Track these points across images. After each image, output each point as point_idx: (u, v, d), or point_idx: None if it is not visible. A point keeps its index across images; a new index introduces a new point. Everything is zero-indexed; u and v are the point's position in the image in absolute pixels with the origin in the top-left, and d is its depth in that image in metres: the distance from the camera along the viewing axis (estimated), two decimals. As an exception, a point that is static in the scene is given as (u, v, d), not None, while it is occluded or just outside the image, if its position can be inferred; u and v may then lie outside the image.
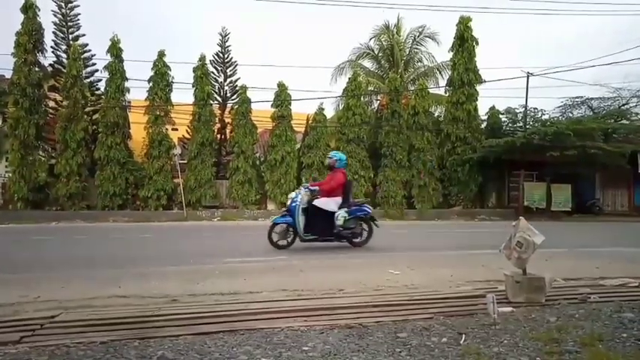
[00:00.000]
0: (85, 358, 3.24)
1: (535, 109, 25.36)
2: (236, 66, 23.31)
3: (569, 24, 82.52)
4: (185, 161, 21.36)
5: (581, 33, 74.17)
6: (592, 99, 28.31)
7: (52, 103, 21.31)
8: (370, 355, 3.28)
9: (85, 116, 20.48)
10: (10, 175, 19.75)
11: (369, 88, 26.33)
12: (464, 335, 3.71)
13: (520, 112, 24.91)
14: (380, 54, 28.55)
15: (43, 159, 20.44)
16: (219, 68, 23.16)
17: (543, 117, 25.16)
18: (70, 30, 21.60)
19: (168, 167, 20.58)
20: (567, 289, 5.47)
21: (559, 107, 28.89)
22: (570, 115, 27.84)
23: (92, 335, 3.74)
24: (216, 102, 22.61)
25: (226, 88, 23.43)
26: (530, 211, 21.12)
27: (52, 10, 21.18)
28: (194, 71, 21.24)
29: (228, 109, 22.91)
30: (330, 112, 25.04)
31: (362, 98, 23.20)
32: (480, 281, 6.13)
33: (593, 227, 17.31)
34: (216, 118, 22.20)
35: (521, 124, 24.58)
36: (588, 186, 24.50)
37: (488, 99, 43.97)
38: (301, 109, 23.45)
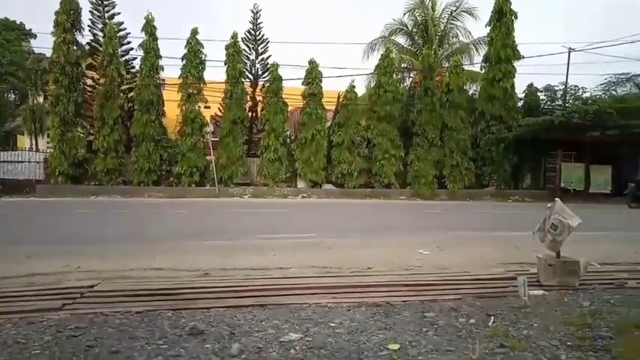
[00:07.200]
0: (122, 326, 3.39)
1: (576, 86, 24.24)
2: (267, 43, 23.21)
3: (617, -4, 77.79)
4: (217, 139, 21.64)
5: (629, 3, 69.85)
6: (638, 76, 26.82)
7: (89, 81, 21.87)
8: (396, 334, 3.30)
9: (121, 94, 20.95)
10: (52, 150, 20.54)
11: (402, 65, 25.78)
12: (492, 317, 3.68)
13: (560, 90, 23.91)
14: (414, 30, 27.79)
15: (81, 135, 21.11)
16: (250, 46, 23.11)
17: (584, 95, 24.06)
18: (106, 9, 21.93)
19: (201, 145, 20.91)
20: (603, 274, 5.32)
21: (602, 85, 27.47)
22: (614, 92, 26.47)
23: (128, 305, 3.91)
24: (247, 80, 22.68)
25: (258, 65, 23.41)
26: (567, 192, 20.46)
27: (89, -11, 21.53)
28: (226, 49, 21.28)
29: (259, 87, 22.94)
30: (361, 90, 24.73)
31: (394, 75, 22.74)
32: (512, 263, 6.04)
33: (633, 211, 16.64)
34: (248, 96, 22.29)
35: (560, 102, 23.60)
36: (631, 168, 23.43)
37: (527, 76, 42.01)
38: (332, 87, 23.21)
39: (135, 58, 21.91)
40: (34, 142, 28.31)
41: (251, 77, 23.15)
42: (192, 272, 5.39)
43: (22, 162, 22.15)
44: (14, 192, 19.22)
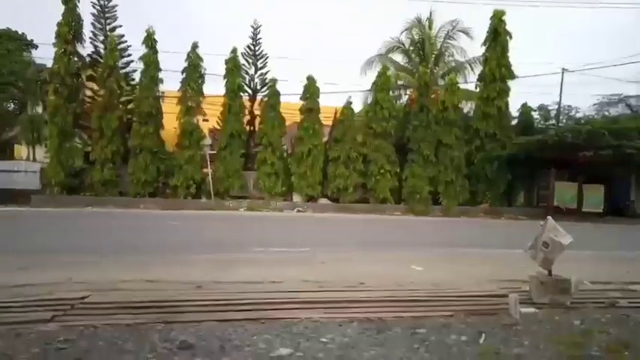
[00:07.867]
0: (112, 339, 3.37)
1: (569, 106, 24.64)
2: (266, 58, 23.45)
3: (609, 15, 79.20)
4: (215, 152, 21.69)
5: (621, 25, 71.05)
6: (630, 97, 27.22)
7: (89, 92, 21.95)
8: (387, 350, 3.30)
9: (120, 106, 21.05)
10: (48, 160, 20.50)
11: (399, 83, 26.03)
12: (484, 334, 3.68)
13: (553, 110, 24.23)
14: (411, 48, 28.10)
15: (79, 146, 21.13)
16: (250, 60, 23.32)
17: (577, 115, 24.39)
18: (108, 21, 22.13)
19: (198, 157, 20.94)
20: (595, 293, 5.32)
21: (595, 105, 27.92)
22: (606, 113, 26.84)
23: (119, 317, 3.89)
24: (246, 94, 22.83)
25: (256, 80, 23.60)
26: (560, 211, 20.54)
27: (91, 2, 21.76)
28: (226, 63, 21.48)
29: (257, 102, 23.09)
30: (358, 106, 24.94)
31: (391, 92, 22.96)
32: (504, 281, 6.03)
33: (625, 230, 16.72)
34: (246, 110, 22.43)
35: (554, 121, 23.91)
36: (623, 187, 23.59)
37: (521, 95, 42.57)
38: (329, 103, 23.39)
39: (135, 71, 22.09)
40: (31, 151, 28.27)
41: (250, 91, 23.32)
42: (184, 285, 5.36)
43: (18, 171, 22.10)
44: (9, 202, 19.11)
